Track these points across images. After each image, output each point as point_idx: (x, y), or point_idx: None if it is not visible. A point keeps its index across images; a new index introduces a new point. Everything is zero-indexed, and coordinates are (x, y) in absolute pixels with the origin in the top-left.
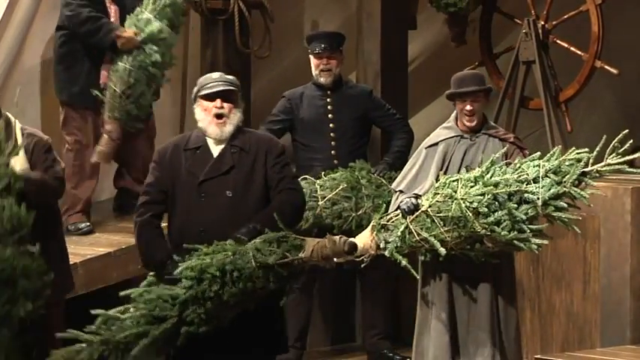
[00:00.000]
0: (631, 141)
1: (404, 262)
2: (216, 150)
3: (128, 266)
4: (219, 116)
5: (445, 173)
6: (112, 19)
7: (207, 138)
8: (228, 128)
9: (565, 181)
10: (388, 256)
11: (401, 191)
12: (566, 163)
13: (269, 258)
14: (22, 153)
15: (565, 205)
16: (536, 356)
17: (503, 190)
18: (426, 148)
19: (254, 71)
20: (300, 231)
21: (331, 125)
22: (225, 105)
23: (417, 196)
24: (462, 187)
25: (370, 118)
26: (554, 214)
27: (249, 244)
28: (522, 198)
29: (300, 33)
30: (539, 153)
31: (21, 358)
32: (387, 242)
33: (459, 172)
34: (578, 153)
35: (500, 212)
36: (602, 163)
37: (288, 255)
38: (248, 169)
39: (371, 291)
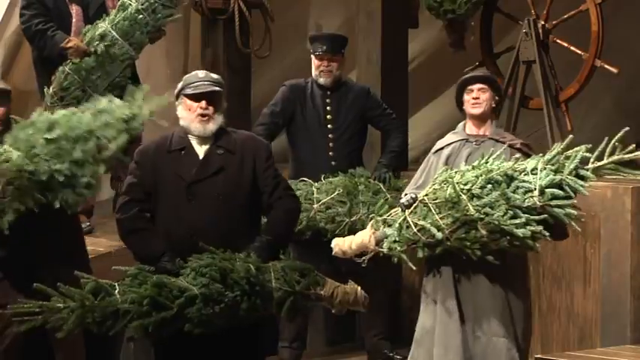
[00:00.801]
0: (633, 145)
1: (402, 255)
2: (201, 151)
3: (128, 266)
4: (203, 115)
5: None
6: (74, 20)
7: (190, 138)
8: (212, 126)
9: (562, 171)
10: (386, 250)
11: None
12: (565, 157)
13: (294, 285)
14: None
15: (562, 193)
16: (536, 356)
17: (500, 174)
18: (433, 153)
19: (254, 71)
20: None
21: (330, 126)
22: (210, 107)
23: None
24: (458, 174)
25: (367, 118)
26: (553, 204)
27: (274, 264)
28: (519, 186)
29: (301, 33)
30: (541, 154)
31: None
32: (385, 237)
33: None
34: (577, 150)
35: (494, 194)
36: (604, 162)
37: (310, 288)
38: (236, 170)
39: (370, 291)
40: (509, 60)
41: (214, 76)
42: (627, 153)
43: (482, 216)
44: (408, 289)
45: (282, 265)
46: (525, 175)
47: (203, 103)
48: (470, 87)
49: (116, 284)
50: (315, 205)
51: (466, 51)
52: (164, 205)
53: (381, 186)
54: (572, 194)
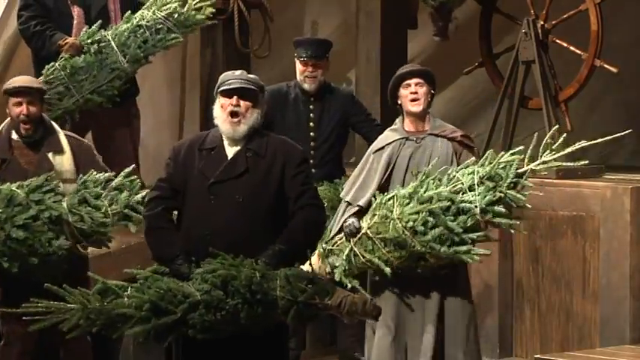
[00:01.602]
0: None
1: (354, 284)
2: (231, 152)
3: (128, 266)
4: (233, 114)
5: (390, 177)
6: (75, 22)
7: (223, 138)
8: (242, 128)
9: (500, 186)
10: (337, 279)
11: (348, 202)
12: (500, 167)
13: (298, 294)
14: (68, 153)
15: (503, 210)
16: (535, 356)
17: (436, 205)
18: (373, 152)
19: (253, 71)
20: None
21: (312, 134)
22: (242, 103)
23: (359, 217)
24: (397, 206)
25: (350, 123)
26: (495, 219)
27: (280, 272)
28: (460, 208)
29: (300, 33)
30: (473, 159)
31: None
32: (334, 267)
33: (404, 176)
34: (511, 154)
35: (437, 230)
36: (536, 162)
37: (316, 298)
38: (262, 174)
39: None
40: (509, 60)
41: (251, 76)
42: (557, 150)
43: (428, 250)
44: None
45: (289, 273)
46: (464, 193)
47: (234, 99)
48: (407, 81)
49: (128, 287)
50: None
51: (466, 50)
52: (189, 202)
53: None
54: (514, 205)
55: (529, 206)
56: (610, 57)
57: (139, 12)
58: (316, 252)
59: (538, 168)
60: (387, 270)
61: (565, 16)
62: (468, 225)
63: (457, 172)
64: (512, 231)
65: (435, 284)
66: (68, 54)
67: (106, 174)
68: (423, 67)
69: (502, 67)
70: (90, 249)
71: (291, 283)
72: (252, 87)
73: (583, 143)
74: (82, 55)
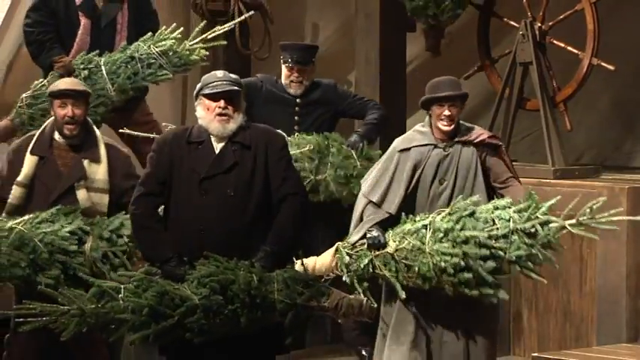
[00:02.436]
0: (602, 201)
1: (364, 288)
2: (218, 146)
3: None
4: (222, 114)
5: (417, 185)
6: (80, 32)
7: (209, 133)
8: (231, 126)
9: (535, 242)
10: (348, 282)
11: (373, 202)
12: (537, 221)
13: (296, 297)
14: (104, 163)
15: (531, 265)
16: (533, 354)
17: (473, 251)
18: (398, 151)
19: (254, 72)
20: None
21: (296, 127)
22: (229, 107)
23: (387, 220)
24: (431, 239)
25: (339, 112)
26: (522, 270)
27: (277, 274)
28: (491, 254)
29: (301, 35)
30: (509, 200)
31: None
32: (348, 269)
33: (431, 185)
34: (550, 220)
35: (467, 274)
36: (573, 221)
37: (314, 300)
38: (250, 166)
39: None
40: (507, 61)
41: (233, 75)
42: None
43: (449, 286)
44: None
45: (286, 275)
46: (497, 239)
47: (222, 103)
48: (443, 102)
49: (121, 287)
50: None
51: (464, 53)
52: (177, 196)
53: (353, 153)
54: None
55: (557, 266)
56: (607, 58)
57: (135, 44)
58: (332, 248)
59: (575, 231)
60: (402, 294)
61: (561, 16)
62: (494, 268)
63: (494, 209)
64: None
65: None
66: (59, 72)
67: (120, 219)
68: (460, 92)
69: (500, 69)
70: None
71: (288, 286)
72: (238, 88)
73: (614, 213)
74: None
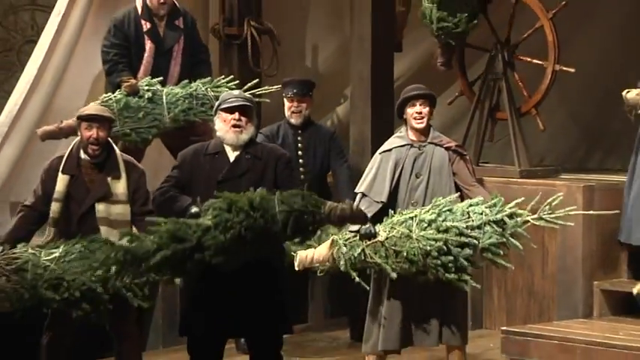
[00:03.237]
0: (559, 198)
1: (356, 278)
2: (232, 156)
3: None
4: (236, 126)
5: (399, 179)
6: (146, 55)
7: (224, 145)
8: (244, 136)
9: (505, 231)
10: (343, 270)
11: (363, 194)
12: (506, 214)
13: (294, 205)
14: (123, 177)
15: (501, 252)
16: (502, 328)
17: (453, 238)
18: (380, 153)
19: (263, 86)
20: None
21: (301, 161)
22: (243, 118)
23: (378, 209)
24: (417, 228)
25: (327, 159)
26: (490, 258)
27: (277, 194)
28: (467, 242)
29: (302, 55)
30: (481, 198)
31: None
32: (342, 258)
33: (409, 178)
34: (519, 213)
35: (448, 257)
36: (535, 217)
37: (309, 207)
38: (259, 174)
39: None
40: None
41: (246, 95)
42: (551, 211)
43: (433, 270)
44: None
45: (284, 194)
46: (472, 230)
47: (236, 115)
48: (413, 102)
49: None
50: None
51: (443, 72)
52: (195, 198)
53: None
54: (508, 248)
55: (523, 253)
56: (565, 78)
57: (195, 83)
58: (329, 240)
59: (537, 223)
60: (393, 275)
61: (525, 35)
62: (469, 256)
63: (470, 205)
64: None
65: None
66: (126, 91)
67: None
68: (427, 91)
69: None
70: None
71: (286, 199)
72: (250, 104)
73: (571, 209)
74: (137, 98)
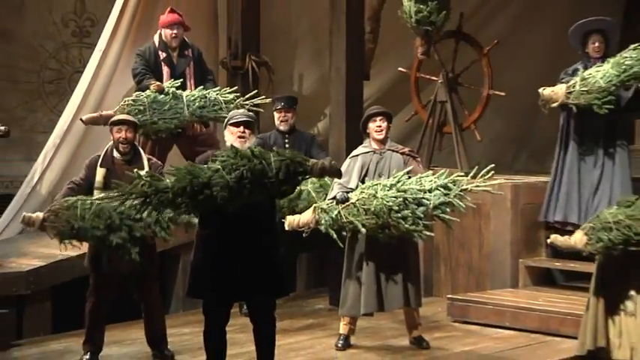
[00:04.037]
0: (491, 172)
1: (334, 235)
2: None
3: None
4: (241, 137)
5: (364, 178)
6: (164, 77)
7: None
8: (247, 144)
9: (449, 194)
10: (323, 230)
11: (339, 184)
12: (451, 182)
13: (286, 156)
14: (146, 168)
15: (448, 210)
16: (448, 296)
17: (410, 196)
18: (350, 157)
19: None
20: None
21: None
22: (246, 130)
23: (349, 192)
24: (381, 190)
25: (309, 152)
26: (440, 215)
27: (272, 152)
28: (420, 202)
29: (292, 82)
30: (431, 172)
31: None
32: (323, 220)
33: (373, 177)
34: (460, 181)
35: (406, 212)
36: (473, 185)
37: (297, 158)
38: None
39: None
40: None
41: (249, 112)
42: (483, 183)
43: (395, 223)
44: None
45: (280, 151)
46: (425, 193)
47: (241, 128)
48: (374, 118)
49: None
50: None
51: (401, 95)
52: None
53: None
54: (453, 207)
55: (464, 211)
56: (499, 99)
57: (208, 90)
58: (311, 208)
59: (472, 188)
60: (363, 230)
61: (466, 66)
62: (423, 213)
63: (421, 177)
64: (448, 226)
65: (394, 249)
66: (154, 90)
67: None
68: (385, 110)
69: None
70: None
71: (280, 153)
72: (252, 120)
73: (497, 183)
74: (163, 95)
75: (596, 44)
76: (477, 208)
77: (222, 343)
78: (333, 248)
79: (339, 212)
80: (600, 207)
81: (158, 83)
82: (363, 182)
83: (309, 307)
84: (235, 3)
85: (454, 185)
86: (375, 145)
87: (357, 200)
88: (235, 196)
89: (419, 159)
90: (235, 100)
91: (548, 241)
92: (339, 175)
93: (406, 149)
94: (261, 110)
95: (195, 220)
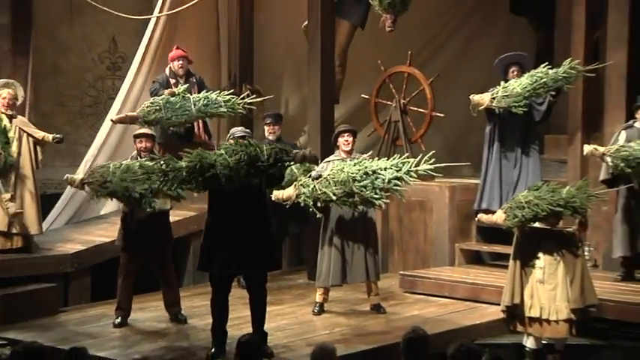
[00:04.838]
0: (430, 154)
1: (311, 206)
2: None
3: (189, 227)
4: None
5: None
6: None
7: None
8: None
9: (400, 172)
10: (301, 202)
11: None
12: (401, 164)
13: (275, 147)
14: None
15: (399, 183)
16: (400, 272)
17: (370, 169)
18: (324, 162)
19: (255, 127)
20: None
21: None
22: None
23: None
24: (347, 167)
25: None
26: (392, 187)
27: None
28: (377, 176)
29: (279, 105)
30: (385, 159)
31: None
32: (301, 193)
33: None
34: (407, 162)
35: (367, 181)
36: (416, 168)
37: (284, 147)
38: None
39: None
40: (387, 121)
41: (246, 129)
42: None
43: (358, 191)
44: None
45: (272, 144)
46: (381, 171)
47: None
48: (343, 134)
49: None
50: None
51: (365, 117)
52: None
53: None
54: (404, 182)
55: (411, 184)
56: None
57: (211, 93)
58: (292, 185)
59: (416, 169)
60: (333, 197)
61: (413, 94)
62: (379, 186)
63: (379, 160)
64: (400, 197)
65: (359, 225)
66: (167, 96)
67: None
68: (351, 128)
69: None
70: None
71: (270, 145)
72: (248, 134)
73: (438, 167)
74: (174, 98)
75: (515, 72)
76: (423, 204)
77: (226, 309)
78: (311, 233)
79: (314, 186)
80: None
81: (170, 90)
82: None
83: (291, 281)
84: (234, 44)
85: (403, 166)
86: (343, 155)
87: (328, 175)
88: (234, 174)
89: None
90: (235, 102)
91: (476, 219)
92: (317, 162)
93: (366, 155)
94: (254, 108)
95: (183, 194)
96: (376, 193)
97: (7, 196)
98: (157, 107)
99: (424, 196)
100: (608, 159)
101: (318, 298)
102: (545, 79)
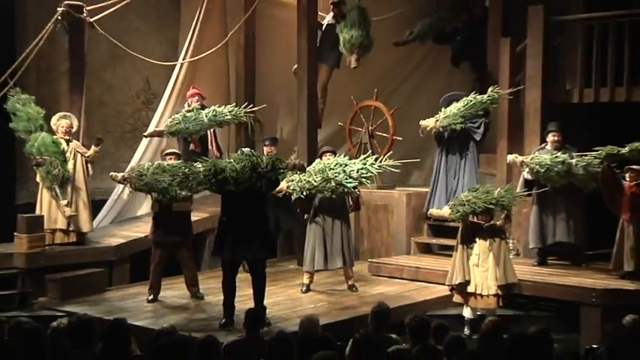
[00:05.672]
0: (390, 153)
1: (298, 195)
2: None
3: (206, 225)
4: None
5: None
6: None
7: None
8: None
9: (365, 165)
10: (291, 192)
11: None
12: (368, 160)
13: (272, 158)
14: None
15: (366, 175)
16: (368, 260)
17: (342, 162)
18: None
19: (257, 148)
20: None
21: None
22: None
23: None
24: (327, 164)
25: None
26: (362, 178)
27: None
28: (347, 167)
29: (275, 130)
30: (357, 160)
31: None
32: (290, 185)
33: None
34: (370, 157)
35: (339, 169)
36: (378, 164)
37: (279, 159)
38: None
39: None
40: (359, 143)
41: (247, 149)
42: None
43: (332, 177)
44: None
45: (268, 157)
46: (352, 165)
47: None
48: (325, 153)
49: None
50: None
51: (342, 140)
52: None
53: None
54: (368, 171)
55: (375, 174)
56: (401, 135)
57: (219, 106)
58: (284, 180)
59: (380, 164)
60: (315, 183)
61: (379, 122)
62: (350, 176)
63: (351, 159)
64: (369, 185)
65: (337, 223)
66: (184, 112)
67: None
68: (331, 148)
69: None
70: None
71: (269, 156)
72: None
73: (393, 162)
74: (190, 113)
75: None
76: (386, 207)
77: (234, 289)
78: (300, 229)
79: (300, 179)
80: None
81: (187, 108)
82: None
83: (284, 267)
84: (238, 84)
85: (368, 161)
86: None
87: (312, 169)
88: (240, 177)
89: None
90: (239, 113)
91: (428, 213)
92: (304, 169)
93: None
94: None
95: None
96: (347, 179)
97: (65, 202)
98: (177, 121)
99: (387, 201)
100: (526, 168)
101: (305, 280)
102: (474, 102)
